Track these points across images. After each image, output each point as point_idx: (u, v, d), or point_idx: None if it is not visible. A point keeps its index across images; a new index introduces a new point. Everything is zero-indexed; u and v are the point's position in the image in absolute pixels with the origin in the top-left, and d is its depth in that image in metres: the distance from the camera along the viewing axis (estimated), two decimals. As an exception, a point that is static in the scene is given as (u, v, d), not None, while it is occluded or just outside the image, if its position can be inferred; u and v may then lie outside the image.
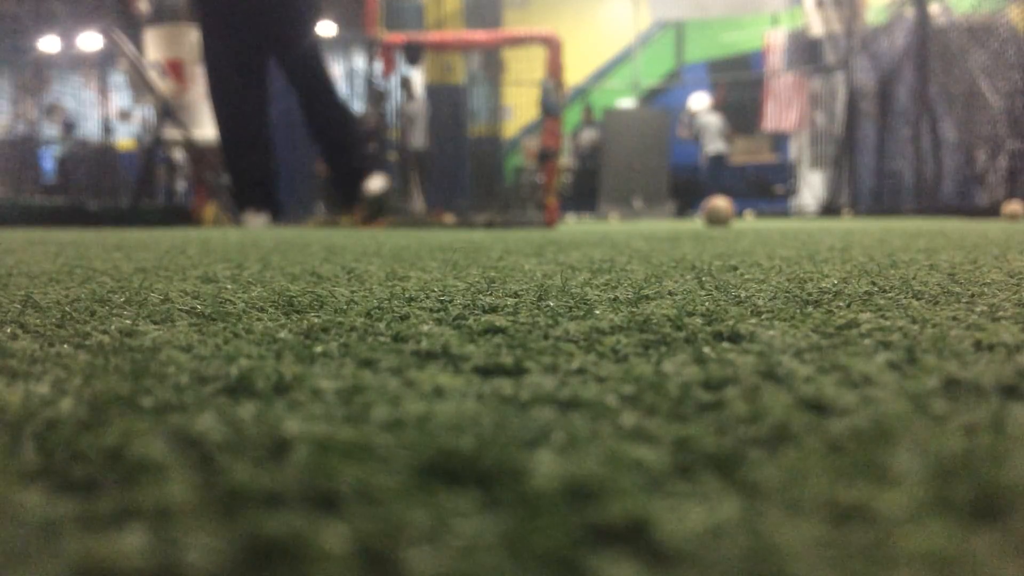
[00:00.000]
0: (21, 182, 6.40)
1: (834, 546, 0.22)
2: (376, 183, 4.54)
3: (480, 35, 6.55)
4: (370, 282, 0.99)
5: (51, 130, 7.43)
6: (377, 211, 4.56)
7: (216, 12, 4.31)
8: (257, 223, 4.43)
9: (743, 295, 0.81)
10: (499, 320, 0.64)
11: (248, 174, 4.51)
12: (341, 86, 9.84)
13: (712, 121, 10.09)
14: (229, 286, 0.94)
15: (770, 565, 0.21)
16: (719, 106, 10.29)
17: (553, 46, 5.33)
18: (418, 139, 7.62)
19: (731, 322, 0.61)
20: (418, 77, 7.90)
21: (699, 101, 10.27)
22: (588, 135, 10.85)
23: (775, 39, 10.65)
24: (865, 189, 9.40)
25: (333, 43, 9.85)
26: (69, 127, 7.40)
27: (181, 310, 0.72)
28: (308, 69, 4.49)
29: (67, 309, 0.72)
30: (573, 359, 0.49)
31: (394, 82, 6.25)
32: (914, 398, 0.39)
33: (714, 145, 10.08)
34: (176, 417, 0.36)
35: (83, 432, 0.33)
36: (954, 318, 0.64)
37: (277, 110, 7.75)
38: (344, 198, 4.70)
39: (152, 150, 5.92)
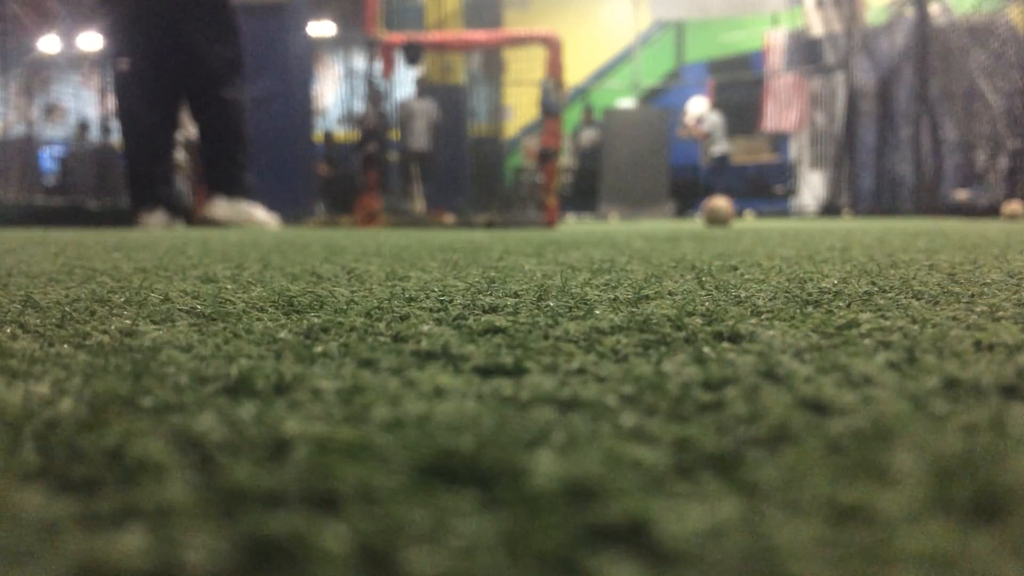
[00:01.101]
0: (21, 182, 6.39)
1: (834, 546, 0.22)
2: (221, 209, 4.62)
3: (480, 35, 6.55)
4: (370, 282, 0.99)
5: (58, 131, 7.41)
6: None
7: (132, 56, 4.45)
8: (154, 222, 4.48)
9: (743, 295, 0.81)
10: (499, 320, 0.64)
11: (147, 181, 4.62)
12: (341, 86, 9.85)
13: (717, 121, 10.08)
14: (229, 286, 0.94)
15: (770, 565, 0.21)
16: (714, 104, 10.29)
17: (553, 46, 5.33)
18: (419, 139, 7.61)
19: (731, 322, 0.61)
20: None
21: (698, 104, 10.27)
22: (588, 135, 10.85)
23: (775, 39, 10.65)
24: (865, 189, 9.40)
25: (333, 43, 9.85)
26: (84, 127, 7.37)
27: (181, 310, 0.72)
28: (221, 126, 4.66)
29: (67, 309, 0.72)
30: (573, 359, 0.49)
31: (395, 79, 6.25)
32: (914, 398, 0.39)
33: (719, 146, 10.07)
34: (176, 417, 0.36)
35: (83, 432, 0.33)
36: (954, 318, 0.64)
37: (275, 111, 7.74)
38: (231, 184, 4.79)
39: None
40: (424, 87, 7.54)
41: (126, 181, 4.80)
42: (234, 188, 4.74)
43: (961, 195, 5.24)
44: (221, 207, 4.66)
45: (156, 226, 4.40)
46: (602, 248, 1.85)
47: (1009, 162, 7.36)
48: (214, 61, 4.54)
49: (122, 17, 4.48)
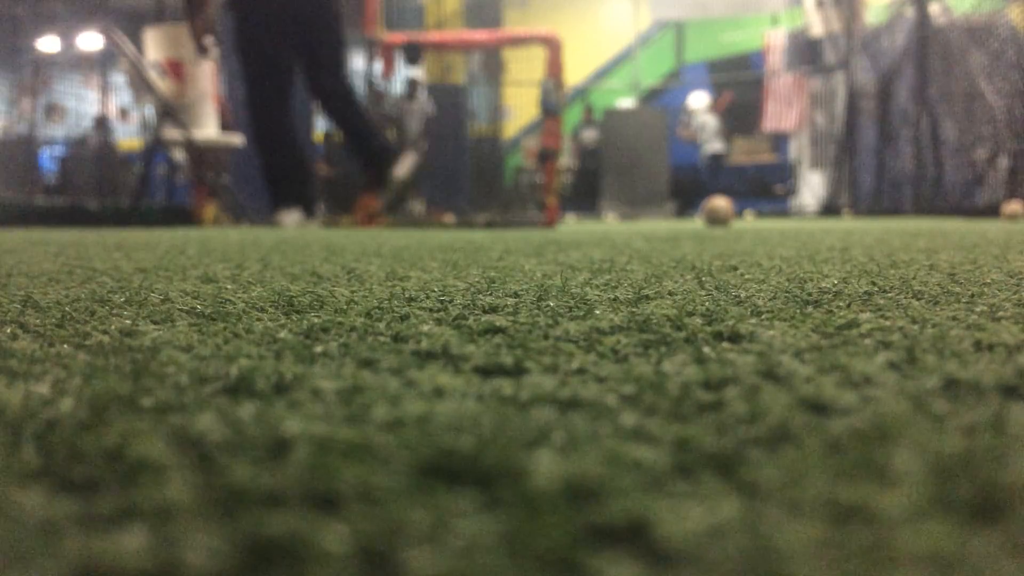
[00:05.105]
0: (21, 182, 6.40)
1: (834, 546, 0.22)
2: (403, 166, 4.60)
3: (480, 35, 6.55)
4: (370, 282, 0.99)
5: (58, 131, 7.40)
6: (402, 196, 4.58)
7: (251, 18, 4.45)
8: (290, 221, 4.47)
9: (743, 295, 0.81)
10: (499, 320, 0.64)
11: (279, 173, 4.60)
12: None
13: (709, 121, 10.11)
14: (229, 286, 0.94)
15: (770, 565, 0.21)
16: (721, 112, 10.32)
17: (553, 46, 5.33)
18: (412, 136, 7.58)
19: (731, 322, 0.61)
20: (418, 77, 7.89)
21: (698, 100, 10.29)
22: (588, 135, 10.85)
23: (775, 39, 10.65)
24: (865, 189, 9.40)
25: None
26: (102, 123, 7.32)
27: (181, 310, 0.72)
28: (332, 78, 4.60)
29: (67, 309, 0.72)
30: (573, 359, 0.49)
31: (396, 80, 6.26)
32: (914, 398, 0.39)
33: (712, 145, 10.10)
34: (176, 417, 0.36)
35: (83, 432, 0.33)
36: (954, 318, 0.64)
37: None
38: (374, 181, 4.74)
39: (152, 150, 5.92)
40: (416, 88, 7.53)
41: (265, 176, 4.74)
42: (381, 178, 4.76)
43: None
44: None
45: (291, 224, 4.39)
46: (602, 248, 1.85)
47: (1009, 162, 7.36)
48: (322, 38, 4.47)
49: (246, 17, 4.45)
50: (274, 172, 4.59)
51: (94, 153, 7.09)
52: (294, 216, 4.51)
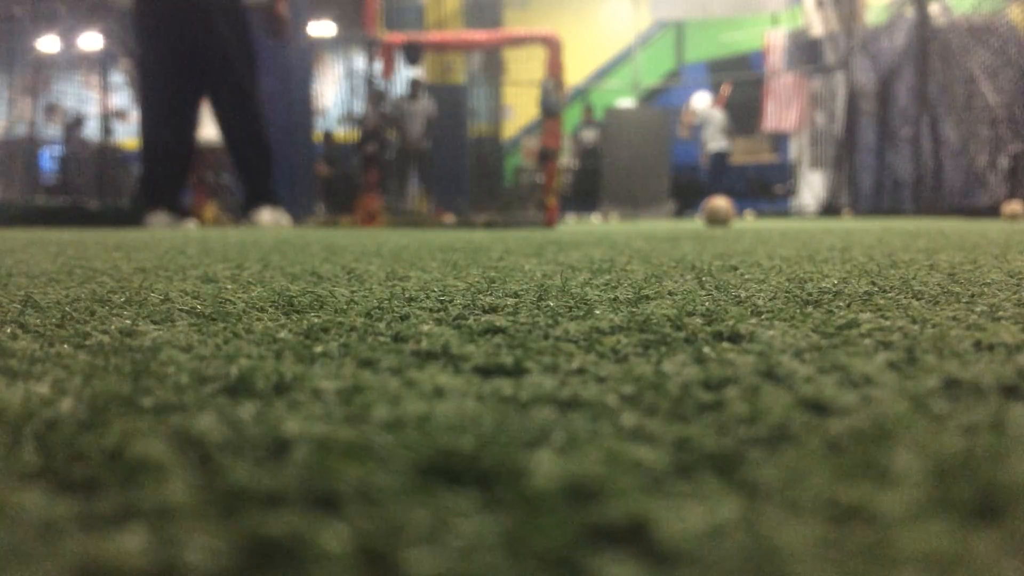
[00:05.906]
0: (21, 182, 6.40)
1: (834, 546, 0.22)
2: (266, 216, 4.82)
3: (480, 35, 6.55)
4: (370, 282, 0.99)
5: (58, 131, 7.38)
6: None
7: (155, 49, 4.63)
8: (159, 221, 4.64)
9: (743, 295, 0.81)
10: (499, 320, 0.64)
11: (161, 182, 4.76)
12: (341, 86, 9.86)
13: (715, 116, 10.08)
14: (229, 286, 0.94)
15: (770, 565, 0.21)
16: (722, 105, 10.31)
17: (553, 46, 5.33)
18: (415, 137, 7.59)
19: (731, 322, 0.61)
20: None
21: (701, 100, 10.30)
22: (588, 135, 10.85)
23: (775, 39, 10.66)
24: (865, 189, 9.40)
25: (333, 43, 9.86)
26: (78, 122, 7.30)
27: (181, 310, 0.72)
28: (238, 114, 4.83)
29: (67, 309, 0.72)
30: (573, 359, 0.49)
31: (396, 80, 6.27)
32: (914, 398, 0.39)
33: (716, 142, 10.07)
34: (176, 417, 0.36)
35: (83, 432, 0.33)
36: (954, 318, 0.64)
37: (273, 111, 7.75)
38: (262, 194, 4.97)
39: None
40: (418, 88, 7.54)
41: (140, 178, 4.93)
42: (272, 196, 4.98)
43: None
44: (266, 215, 4.85)
45: (159, 225, 4.52)
46: (602, 248, 1.85)
47: (1009, 162, 7.36)
48: (232, 53, 4.68)
49: (146, 17, 4.57)
50: (152, 173, 4.75)
51: (94, 153, 7.08)
52: (160, 217, 4.64)
